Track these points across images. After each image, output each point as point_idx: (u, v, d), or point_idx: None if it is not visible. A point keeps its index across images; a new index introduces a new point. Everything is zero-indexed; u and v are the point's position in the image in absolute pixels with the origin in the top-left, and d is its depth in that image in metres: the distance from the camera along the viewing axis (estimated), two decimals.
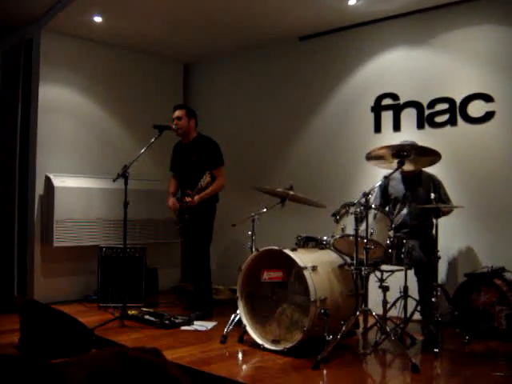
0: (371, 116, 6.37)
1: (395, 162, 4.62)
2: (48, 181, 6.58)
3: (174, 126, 5.87)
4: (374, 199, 5.29)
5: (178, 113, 5.99)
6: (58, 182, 6.54)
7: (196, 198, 5.64)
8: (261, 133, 7.44)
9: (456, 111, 5.74)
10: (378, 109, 6.33)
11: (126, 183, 5.41)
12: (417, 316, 5.01)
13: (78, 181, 6.74)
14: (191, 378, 3.99)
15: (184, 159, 6.03)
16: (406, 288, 4.87)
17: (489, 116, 5.54)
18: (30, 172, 6.70)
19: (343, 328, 4.28)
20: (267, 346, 4.57)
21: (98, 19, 6.40)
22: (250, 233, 5.21)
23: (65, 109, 6.89)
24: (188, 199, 5.65)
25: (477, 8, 5.66)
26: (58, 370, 0.90)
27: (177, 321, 5.46)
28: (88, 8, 6.12)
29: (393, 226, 4.61)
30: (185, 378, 0.87)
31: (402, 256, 4.65)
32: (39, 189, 6.63)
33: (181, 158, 6.11)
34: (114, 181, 5.49)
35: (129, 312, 5.58)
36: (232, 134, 7.53)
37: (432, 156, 4.64)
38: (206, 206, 5.82)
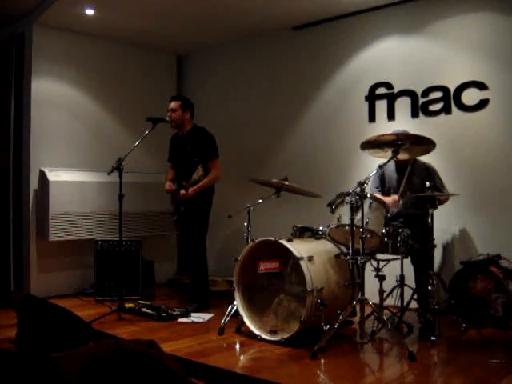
0: (365, 105, 6.36)
1: (390, 151, 4.61)
2: (42, 175, 6.56)
3: (167, 119, 5.85)
4: (370, 188, 5.28)
5: (172, 104, 5.97)
6: (53, 176, 6.52)
7: (190, 190, 5.63)
8: (255, 123, 7.43)
9: (450, 99, 5.73)
10: (372, 98, 6.32)
11: (120, 176, 5.41)
12: (413, 304, 5.03)
13: (72, 174, 6.72)
14: (189, 370, 4.00)
15: (179, 151, 6.03)
16: (402, 277, 4.88)
17: (483, 104, 5.54)
18: (25, 166, 6.67)
19: (340, 317, 4.29)
20: (264, 336, 4.58)
21: (89, 12, 6.36)
22: (245, 224, 5.21)
23: (58, 102, 6.86)
24: (182, 192, 5.64)
25: None
26: (54, 364, 0.90)
27: (174, 313, 5.46)
28: (80, 0, 6.09)
29: (390, 212, 4.62)
30: (180, 368, 0.86)
31: (398, 245, 4.65)
32: (34, 183, 6.61)
33: (177, 149, 6.10)
34: (108, 174, 5.49)
35: (126, 305, 5.59)
36: (226, 124, 7.51)
37: (427, 145, 4.63)
38: (201, 198, 5.81)
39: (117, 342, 0.82)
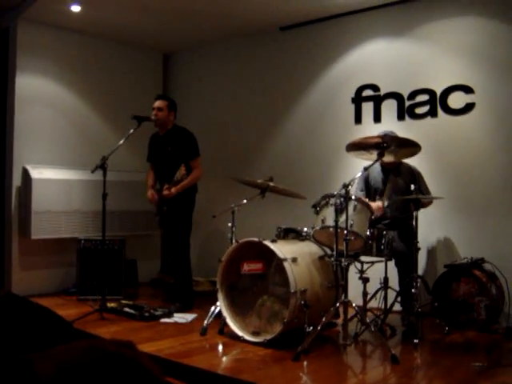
0: (352, 107, 6.36)
1: (375, 154, 4.61)
2: (25, 172, 6.50)
3: (152, 117, 5.81)
4: (355, 190, 5.28)
5: (159, 103, 5.93)
6: (36, 173, 6.46)
7: (173, 190, 5.60)
8: (241, 123, 7.41)
9: (436, 102, 5.74)
10: (358, 100, 6.32)
11: (104, 174, 5.36)
12: (397, 307, 5.03)
13: (56, 172, 6.67)
14: (171, 371, 3.97)
15: (160, 150, 5.99)
16: (386, 279, 4.89)
17: (469, 107, 5.55)
18: (7, 163, 6.62)
19: (323, 319, 4.28)
20: (247, 337, 4.56)
21: (75, 8, 6.31)
22: (230, 224, 5.19)
23: (42, 99, 6.81)
24: (165, 192, 5.60)
25: (458, 0, 5.66)
26: (27, 364, 0.87)
27: (156, 313, 5.43)
28: None
29: (374, 216, 4.61)
30: (156, 368, 0.85)
31: (382, 247, 4.66)
32: (16, 180, 6.55)
33: (157, 149, 6.07)
34: (92, 172, 5.44)
35: (108, 304, 5.54)
36: (212, 124, 7.49)
37: (412, 147, 4.63)
38: (184, 197, 5.78)
39: (92, 341, 0.80)
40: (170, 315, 5.45)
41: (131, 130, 5.58)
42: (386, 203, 5.09)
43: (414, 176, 5.21)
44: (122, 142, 5.54)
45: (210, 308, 5.00)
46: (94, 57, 7.34)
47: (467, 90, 5.55)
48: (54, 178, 6.57)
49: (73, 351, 0.88)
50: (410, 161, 5.17)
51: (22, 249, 6.55)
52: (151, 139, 6.20)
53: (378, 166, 5.22)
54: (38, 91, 6.77)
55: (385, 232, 4.67)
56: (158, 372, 0.88)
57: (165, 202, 5.75)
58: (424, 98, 5.83)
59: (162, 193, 5.66)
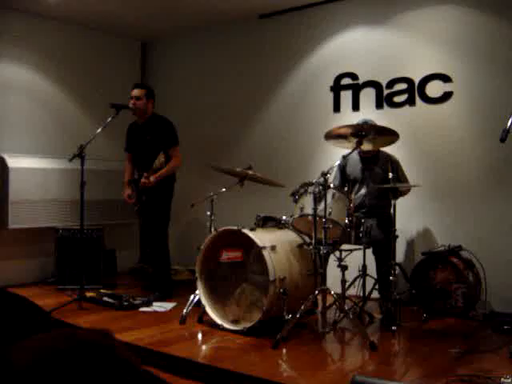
0: (330, 95, 6.37)
1: (354, 142, 4.63)
2: (2, 161, 6.42)
3: (130, 105, 5.76)
4: (332, 179, 5.30)
5: (137, 92, 5.86)
6: (13, 162, 6.39)
7: (152, 178, 5.57)
8: (220, 112, 7.38)
9: (414, 91, 5.77)
10: (337, 88, 6.33)
11: (82, 163, 5.31)
12: (375, 294, 5.06)
13: (33, 161, 6.60)
14: (150, 359, 3.97)
15: (138, 139, 5.95)
16: (364, 267, 4.93)
17: (447, 96, 5.59)
18: None
19: (302, 307, 4.29)
20: (227, 326, 4.57)
21: None
22: (208, 213, 5.18)
23: (19, 87, 6.73)
24: (144, 180, 5.58)
25: None
26: (2, 352, 0.87)
27: (135, 302, 5.42)
28: None
29: (352, 205, 4.63)
30: (134, 358, 0.84)
31: (361, 235, 4.68)
32: None
33: (135, 138, 6.02)
34: (69, 161, 5.38)
35: (87, 294, 5.50)
36: (191, 112, 7.46)
37: (390, 136, 4.66)
38: (163, 186, 5.76)
39: (68, 330, 0.79)
40: (149, 304, 5.44)
41: (109, 119, 5.54)
42: (363, 191, 5.14)
43: (392, 164, 5.22)
44: (99, 130, 5.50)
45: (189, 297, 4.99)
46: (71, 44, 7.26)
47: (445, 78, 5.59)
48: (31, 167, 6.51)
49: (48, 340, 0.87)
50: (388, 149, 5.19)
51: None
52: (129, 128, 6.15)
53: (355, 154, 5.23)
54: (14, 79, 6.69)
55: (363, 220, 4.70)
56: (135, 361, 0.87)
57: (143, 191, 5.73)
58: (402, 86, 5.85)
59: (140, 181, 5.63)
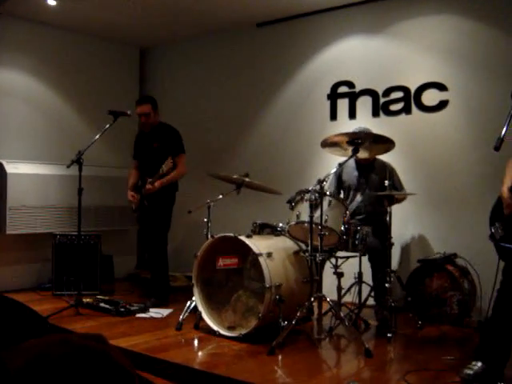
0: (327, 103, 6.40)
1: (350, 150, 4.65)
2: (0, 167, 6.44)
3: (129, 112, 5.75)
4: (328, 186, 5.32)
5: (144, 108, 5.88)
6: (11, 168, 6.41)
7: (157, 183, 5.61)
8: (218, 119, 7.41)
9: (410, 100, 5.81)
10: (334, 96, 6.36)
11: (80, 169, 5.33)
12: (371, 301, 5.08)
13: (31, 167, 6.62)
14: (146, 365, 3.99)
15: (145, 146, 6.00)
16: (360, 274, 4.94)
17: (442, 105, 5.62)
18: None
19: (298, 314, 4.31)
20: (223, 332, 4.58)
21: (51, 2, 6.26)
22: (205, 219, 5.21)
23: (18, 93, 6.76)
24: (149, 186, 5.60)
25: None
26: None
27: (132, 308, 5.44)
28: None
29: (347, 212, 4.65)
30: (127, 362, 0.86)
31: (357, 242, 4.69)
32: None
33: (142, 145, 6.07)
34: (68, 167, 5.40)
35: (84, 300, 5.52)
36: (189, 119, 7.47)
37: (386, 144, 4.69)
38: (165, 193, 5.80)
39: (62, 335, 0.81)
40: (145, 310, 5.45)
41: (107, 125, 5.56)
42: (359, 198, 5.17)
43: (388, 172, 5.24)
44: (97, 136, 5.52)
45: (185, 303, 5.01)
46: (70, 51, 7.29)
47: (441, 87, 5.62)
48: (29, 173, 6.53)
49: (43, 345, 0.89)
50: (384, 157, 5.22)
51: None
52: (137, 137, 6.23)
53: (352, 162, 5.26)
54: (14, 85, 6.72)
55: (359, 227, 4.72)
56: (129, 365, 0.90)
57: (146, 197, 5.76)
58: (398, 95, 5.89)
59: (143, 188, 5.65)
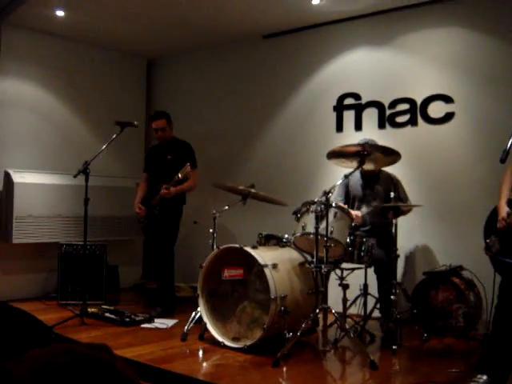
0: (333, 115, 6.41)
1: (356, 161, 4.65)
2: (7, 177, 6.47)
3: (135, 123, 5.77)
4: (335, 198, 5.32)
5: (160, 123, 6.00)
6: (18, 177, 6.44)
7: (172, 189, 5.63)
8: (224, 130, 7.43)
9: (417, 112, 5.82)
10: (340, 108, 6.37)
11: (86, 179, 5.36)
12: (376, 313, 5.07)
13: (38, 177, 6.65)
14: (151, 376, 3.98)
15: (158, 159, 6.07)
16: (365, 286, 4.93)
17: (448, 117, 5.63)
18: None
19: (303, 325, 4.30)
20: (227, 343, 4.57)
21: (60, 13, 6.32)
22: (211, 230, 5.21)
23: (25, 104, 6.80)
24: (164, 191, 5.61)
25: (438, 10, 5.74)
26: (4, 366, 0.89)
27: (137, 318, 5.44)
28: (50, 1, 6.04)
29: (353, 224, 4.65)
30: (132, 372, 0.87)
31: (362, 254, 4.69)
32: None
33: (155, 158, 6.15)
34: (74, 177, 5.43)
35: (89, 310, 5.53)
36: (195, 130, 7.48)
37: (392, 156, 4.69)
38: (174, 205, 5.86)
39: (67, 345, 0.81)
40: (150, 320, 5.45)
41: (114, 136, 5.59)
42: (364, 211, 5.16)
43: (394, 183, 5.26)
44: (104, 147, 5.55)
45: (190, 314, 5.01)
46: (77, 62, 7.33)
47: (447, 99, 5.63)
48: (36, 183, 6.55)
49: (48, 354, 0.90)
50: (390, 169, 5.22)
51: (2, 253, 6.51)
52: (149, 150, 6.32)
53: (357, 173, 5.27)
54: (21, 95, 6.76)
55: (364, 239, 4.71)
56: (133, 375, 0.90)
57: (158, 205, 5.79)
58: (404, 107, 5.90)
59: (160, 192, 5.66)
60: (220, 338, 4.62)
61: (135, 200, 6.12)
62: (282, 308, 4.36)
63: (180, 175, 5.45)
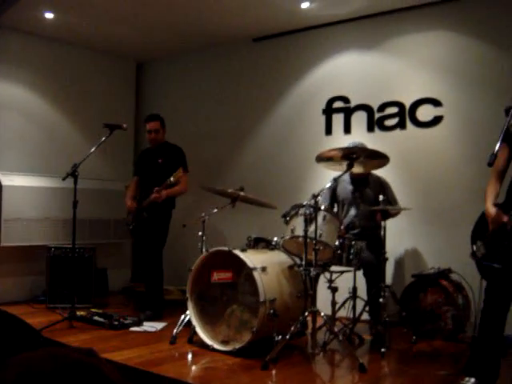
0: (322, 118, 6.43)
1: (345, 164, 4.66)
2: None
3: (124, 125, 5.78)
4: (322, 201, 5.33)
5: (154, 125, 6.03)
6: (6, 180, 6.42)
7: (163, 192, 5.64)
8: (213, 133, 7.43)
9: (405, 115, 5.84)
10: (329, 111, 6.39)
11: (75, 182, 5.34)
12: (365, 316, 5.08)
13: (26, 179, 6.63)
14: (140, 379, 3.97)
15: (149, 162, 6.07)
16: (354, 289, 4.94)
17: (437, 120, 5.65)
18: None
19: (292, 328, 4.30)
20: (217, 346, 4.56)
21: (49, 15, 6.31)
22: (200, 233, 5.20)
23: (14, 106, 6.77)
24: (156, 194, 5.61)
25: (426, 14, 5.77)
26: None
27: (126, 322, 5.42)
28: (39, 4, 6.02)
29: (342, 227, 4.66)
30: (119, 377, 0.86)
31: (351, 257, 4.70)
32: None
33: (146, 161, 6.15)
34: (63, 179, 5.41)
35: (77, 313, 5.50)
36: (184, 133, 7.48)
37: (381, 159, 4.70)
38: (163, 209, 5.85)
39: (53, 349, 0.80)
40: (139, 324, 5.43)
41: (103, 138, 5.58)
42: (353, 212, 5.17)
43: (383, 187, 5.27)
44: (93, 149, 5.53)
45: (179, 317, 5.00)
46: (66, 64, 7.31)
47: (436, 103, 5.66)
48: (24, 185, 6.53)
49: (35, 359, 0.90)
50: (379, 172, 5.24)
51: None
52: (140, 154, 6.33)
53: (346, 176, 5.28)
54: (9, 98, 6.73)
55: (353, 242, 4.72)
56: (120, 380, 0.90)
57: (145, 209, 5.77)
58: (393, 110, 5.92)
59: (151, 196, 5.65)
60: (209, 342, 4.62)
61: (126, 197, 6.11)
62: (271, 311, 4.35)
63: (172, 179, 5.44)
